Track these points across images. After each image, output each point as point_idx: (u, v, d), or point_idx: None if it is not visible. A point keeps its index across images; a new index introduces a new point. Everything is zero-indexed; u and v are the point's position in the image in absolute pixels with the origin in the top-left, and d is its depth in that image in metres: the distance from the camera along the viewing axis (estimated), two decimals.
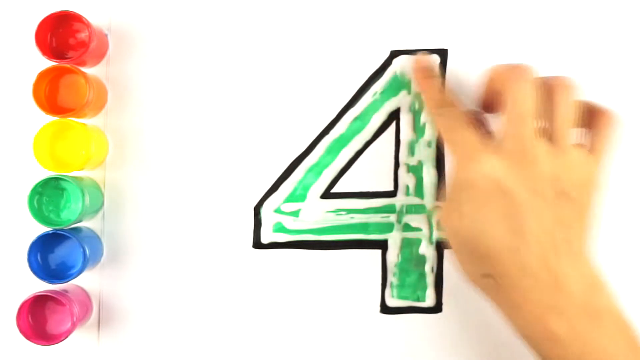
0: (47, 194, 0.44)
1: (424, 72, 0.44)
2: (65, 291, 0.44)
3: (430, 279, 0.46)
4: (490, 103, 0.40)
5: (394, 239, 0.46)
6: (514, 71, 0.38)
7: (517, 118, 0.37)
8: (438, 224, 0.45)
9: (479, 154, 0.38)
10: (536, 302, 0.36)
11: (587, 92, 0.45)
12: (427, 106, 0.44)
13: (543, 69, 0.45)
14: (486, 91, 0.41)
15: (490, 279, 0.37)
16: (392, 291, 0.46)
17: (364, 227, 0.46)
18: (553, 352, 0.36)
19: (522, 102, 0.37)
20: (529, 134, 0.37)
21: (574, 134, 0.38)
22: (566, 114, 0.38)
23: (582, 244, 0.37)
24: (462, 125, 0.40)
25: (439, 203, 0.42)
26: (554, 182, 0.37)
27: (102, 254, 0.46)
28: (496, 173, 0.37)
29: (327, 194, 0.46)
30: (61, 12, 0.43)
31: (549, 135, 0.37)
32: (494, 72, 0.39)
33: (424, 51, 0.45)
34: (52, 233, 0.43)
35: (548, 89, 0.38)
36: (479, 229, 0.37)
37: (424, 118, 0.46)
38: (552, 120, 0.37)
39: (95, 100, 0.44)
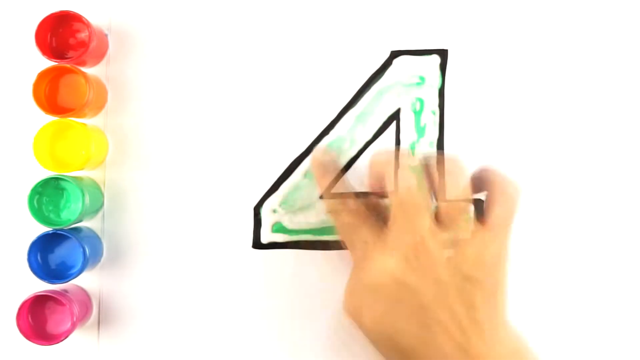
0: (47, 194, 0.44)
1: (320, 168, 0.44)
2: (65, 291, 0.44)
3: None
4: (377, 187, 0.40)
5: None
6: (393, 157, 0.38)
7: (404, 211, 0.37)
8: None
9: (376, 254, 0.38)
10: None
11: (587, 92, 0.45)
12: (324, 203, 0.44)
13: (543, 69, 0.46)
14: (371, 177, 0.40)
15: None
16: None
17: None
18: None
19: (408, 195, 0.37)
20: (419, 226, 0.37)
21: (466, 209, 0.38)
22: (454, 194, 0.37)
23: (495, 320, 0.37)
24: (355, 223, 0.40)
25: (345, 300, 0.40)
26: (454, 269, 0.36)
27: (102, 254, 0.46)
28: (394, 271, 0.37)
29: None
30: (61, 12, 0.43)
31: (439, 217, 0.37)
32: (375, 160, 0.40)
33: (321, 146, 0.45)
34: (52, 233, 0.43)
35: (435, 174, 0.38)
36: (391, 328, 0.37)
37: (424, 118, 0.46)
38: (439, 203, 0.37)
39: (95, 100, 0.44)
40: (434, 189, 0.38)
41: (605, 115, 0.46)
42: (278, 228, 0.46)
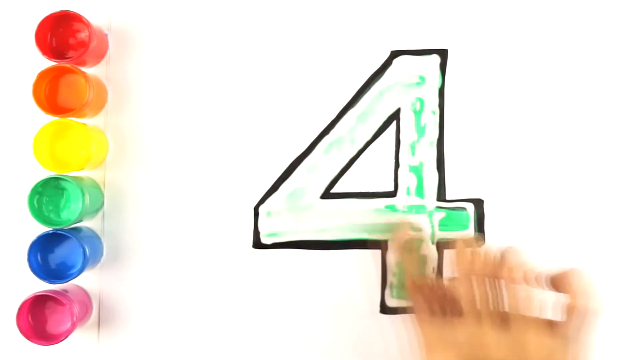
0: (47, 194, 0.44)
1: (402, 249, 0.45)
2: (65, 291, 0.43)
3: None
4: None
5: (394, 240, 0.46)
6: (466, 275, 0.39)
7: (471, 313, 0.38)
8: None
9: (437, 346, 0.39)
10: None
11: (587, 92, 0.45)
12: (406, 287, 0.45)
13: (543, 69, 0.46)
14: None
15: None
16: (392, 291, 0.46)
17: (364, 227, 0.46)
18: None
19: (473, 301, 0.38)
20: (482, 329, 0.37)
21: (535, 316, 0.37)
22: (519, 307, 0.37)
23: None
24: (424, 316, 0.40)
25: None
26: None
27: (102, 254, 0.46)
28: None
29: (327, 194, 0.46)
30: (61, 12, 0.43)
31: (506, 321, 0.37)
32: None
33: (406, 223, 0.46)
34: (52, 233, 0.43)
35: (500, 282, 0.38)
36: None
37: (424, 118, 0.46)
38: (507, 308, 0.37)
39: (95, 100, 0.44)
40: (497, 292, 0.38)
41: (605, 115, 0.46)
42: (278, 228, 0.46)
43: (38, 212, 0.43)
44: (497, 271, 0.38)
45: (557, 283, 0.37)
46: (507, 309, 0.37)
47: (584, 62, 0.46)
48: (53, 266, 0.44)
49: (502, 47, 0.46)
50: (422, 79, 0.46)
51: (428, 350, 0.39)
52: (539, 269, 0.38)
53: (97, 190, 0.45)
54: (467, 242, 0.41)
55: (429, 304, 0.41)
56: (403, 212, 0.46)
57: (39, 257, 0.43)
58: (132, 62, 0.46)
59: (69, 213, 0.44)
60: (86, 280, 0.46)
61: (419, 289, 0.42)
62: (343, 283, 0.46)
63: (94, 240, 0.45)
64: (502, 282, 0.38)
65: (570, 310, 0.36)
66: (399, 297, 0.46)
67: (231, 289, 0.46)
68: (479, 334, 0.37)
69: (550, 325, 0.37)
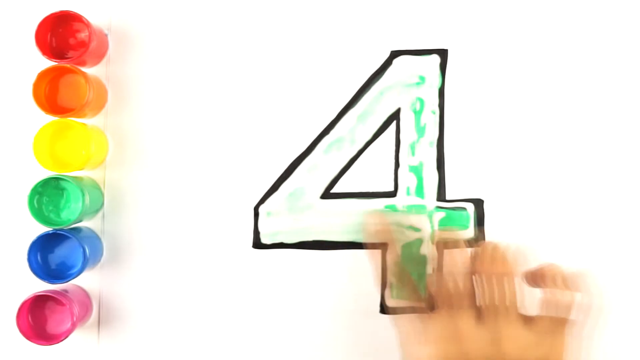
0: (47, 194, 0.44)
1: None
2: (65, 291, 0.44)
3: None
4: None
5: (394, 240, 0.46)
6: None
7: (447, 307, 0.38)
8: None
9: (414, 342, 0.39)
10: None
11: (587, 92, 0.45)
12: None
13: (543, 69, 0.46)
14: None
15: None
16: (391, 291, 0.45)
17: (364, 227, 0.46)
18: None
19: (451, 285, 0.38)
20: (458, 323, 0.37)
21: (517, 312, 0.37)
22: (499, 304, 0.37)
23: None
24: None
25: None
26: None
27: (102, 254, 0.46)
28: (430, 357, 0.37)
29: (327, 194, 0.46)
30: (61, 12, 0.43)
31: (482, 314, 0.37)
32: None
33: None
34: (52, 233, 0.43)
35: (480, 278, 0.38)
36: None
37: (424, 118, 0.46)
38: (483, 300, 0.37)
39: (95, 100, 0.44)
40: (481, 286, 0.38)
41: (605, 115, 0.46)
42: (278, 228, 0.46)
43: (38, 212, 0.43)
44: (476, 266, 0.38)
45: (534, 278, 0.38)
46: (483, 303, 0.37)
47: (584, 61, 0.46)
48: (53, 266, 0.44)
49: (502, 47, 0.46)
50: (422, 79, 0.46)
51: (405, 345, 0.39)
52: (517, 264, 0.38)
53: (97, 190, 0.46)
54: (452, 239, 0.41)
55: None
56: (403, 212, 0.46)
57: (39, 257, 0.43)
58: (132, 62, 0.46)
59: (69, 213, 0.44)
60: (86, 280, 0.46)
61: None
62: (343, 283, 0.46)
63: (94, 240, 0.45)
64: (481, 276, 0.38)
65: (546, 304, 0.37)
66: (399, 297, 0.46)
67: (231, 289, 0.46)
68: (454, 328, 0.37)
69: (526, 319, 0.37)
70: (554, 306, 0.37)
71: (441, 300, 0.38)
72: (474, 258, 0.39)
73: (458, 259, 0.41)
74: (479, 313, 0.37)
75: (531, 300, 0.38)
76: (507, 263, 0.38)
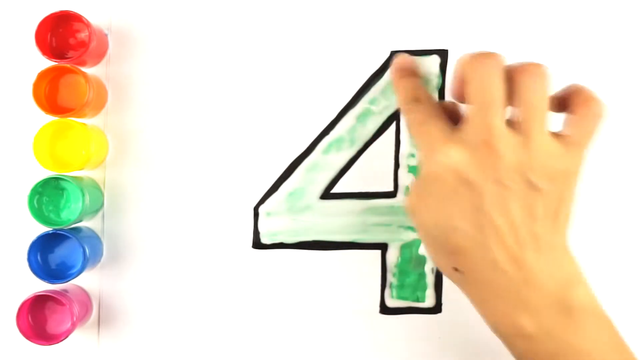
0: (47, 194, 0.44)
1: (402, 71, 0.43)
2: (65, 291, 0.44)
3: (429, 280, 0.46)
4: (460, 92, 0.38)
5: (394, 240, 0.46)
6: (478, 59, 0.36)
7: (479, 106, 0.35)
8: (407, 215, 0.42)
9: (441, 145, 0.36)
10: (505, 297, 0.35)
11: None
12: (398, 102, 0.42)
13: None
14: (454, 80, 0.39)
15: (460, 273, 0.37)
16: (391, 292, 0.46)
17: (363, 228, 0.46)
18: (525, 349, 0.36)
19: (484, 89, 0.35)
20: (491, 123, 0.35)
21: (547, 121, 0.36)
22: (534, 101, 0.35)
23: (553, 237, 0.36)
24: (428, 118, 0.38)
25: (408, 194, 0.40)
26: (520, 174, 0.35)
27: (102, 254, 0.46)
28: (458, 165, 0.35)
29: (326, 195, 0.46)
30: (61, 12, 0.43)
31: (513, 120, 0.36)
32: (460, 60, 0.37)
33: (404, 53, 0.45)
34: (52, 233, 0.43)
35: (515, 76, 0.36)
36: (445, 224, 0.36)
37: None
38: (519, 108, 0.35)
39: (95, 100, 0.44)
40: (515, 94, 0.36)
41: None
42: (278, 228, 0.46)
43: (38, 212, 0.43)
44: (510, 66, 0.36)
45: (561, 101, 0.37)
46: (517, 103, 0.35)
47: (585, 62, 0.46)
48: (53, 266, 0.44)
49: (502, 47, 0.46)
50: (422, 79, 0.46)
51: (429, 152, 0.37)
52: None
53: (97, 190, 0.46)
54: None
55: (426, 115, 0.38)
56: (402, 212, 0.46)
57: (39, 257, 0.43)
58: (132, 62, 0.46)
59: (69, 213, 0.44)
60: (86, 280, 0.46)
61: (413, 106, 0.40)
62: (343, 283, 0.46)
63: (94, 240, 0.45)
64: (515, 74, 0.35)
65: (574, 118, 0.36)
66: (399, 297, 0.46)
67: (231, 289, 0.46)
68: (488, 130, 0.35)
69: (557, 135, 0.36)
70: (582, 121, 0.36)
71: (474, 100, 0.36)
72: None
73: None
74: (512, 120, 0.36)
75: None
76: (541, 65, 0.36)
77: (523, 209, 0.35)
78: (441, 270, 0.39)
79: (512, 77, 0.36)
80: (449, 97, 0.45)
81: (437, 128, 0.37)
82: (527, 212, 0.35)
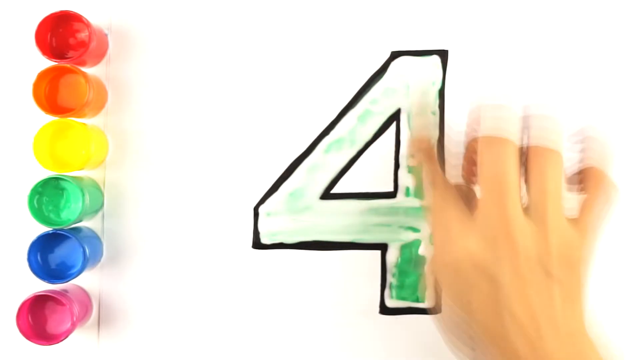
0: (47, 194, 0.44)
1: (417, 157, 0.43)
2: (65, 291, 0.44)
3: (429, 280, 0.46)
4: (471, 173, 0.38)
5: (394, 240, 0.46)
6: (491, 144, 0.36)
7: (494, 195, 0.35)
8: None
9: (458, 237, 0.36)
10: None
11: (587, 93, 0.45)
12: (425, 186, 0.41)
13: (543, 70, 0.46)
14: (465, 162, 0.39)
15: (476, 353, 0.36)
16: (391, 292, 0.46)
17: (363, 228, 0.46)
18: None
19: (499, 178, 0.35)
20: (507, 214, 0.35)
21: (562, 206, 0.36)
22: (549, 188, 0.35)
23: (572, 323, 0.35)
24: (444, 204, 0.38)
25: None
26: (538, 264, 0.35)
27: (102, 254, 0.46)
28: (474, 255, 0.35)
29: (326, 195, 0.46)
30: (61, 12, 0.43)
31: (529, 207, 0.35)
32: (470, 140, 0.37)
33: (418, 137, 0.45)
34: (52, 233, 0.43)
35: (528, 162, 0.36)
36: (465, 311, 0.36)
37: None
38: (534, 194, 0.35)
39: (95, 100, 0.44)
40: (527, 177, 0.36)
41: (605, 116, 0.46)
42: (278, 228, 0.46)
43: (38, 212, 0.43)
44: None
45: (573, 178, 0.37)
46: (531, 191, 0.35)
47: (585, 62, 0.46)
48: (53, 266, 0.44)
49: (503, 47, 0.46)
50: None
51: (447, 240, 0.36)
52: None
53: (97, 190, 0.46)
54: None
55: (444, 199, 0.38)
56: (402, 212, 0.46)
57: (39, 257, 0.43)
58: (132, 62, 0.46)
59: (69, 213, 0.44)
60: (86, 280, 0.46)
61: (431, 191, 0.39)
62: (342, 284, 0.46)
63: (94, 240, 0.45)
64: (528, 161, 0.35)
65: (590, 202, 0.36)
66: (399, 297, 0.46)
67: (231, 289, 0.46)
68: (504, 220, 0.35)
69: (572, 221, 0.36)
70: (599, 205, 0.36)
71: (489, 189, 0.36)
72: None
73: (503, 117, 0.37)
74: (525, 208, 0.35)
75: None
76: (554, 151, 0.36)
77: (542, 298, 0.35)
78: (457, 356, 0.38)
79: (525, 161, 0.36)
80: (449, 97, 0.46)
81: (453, 216, 0.37)
82: (547, 301, 0.35)
